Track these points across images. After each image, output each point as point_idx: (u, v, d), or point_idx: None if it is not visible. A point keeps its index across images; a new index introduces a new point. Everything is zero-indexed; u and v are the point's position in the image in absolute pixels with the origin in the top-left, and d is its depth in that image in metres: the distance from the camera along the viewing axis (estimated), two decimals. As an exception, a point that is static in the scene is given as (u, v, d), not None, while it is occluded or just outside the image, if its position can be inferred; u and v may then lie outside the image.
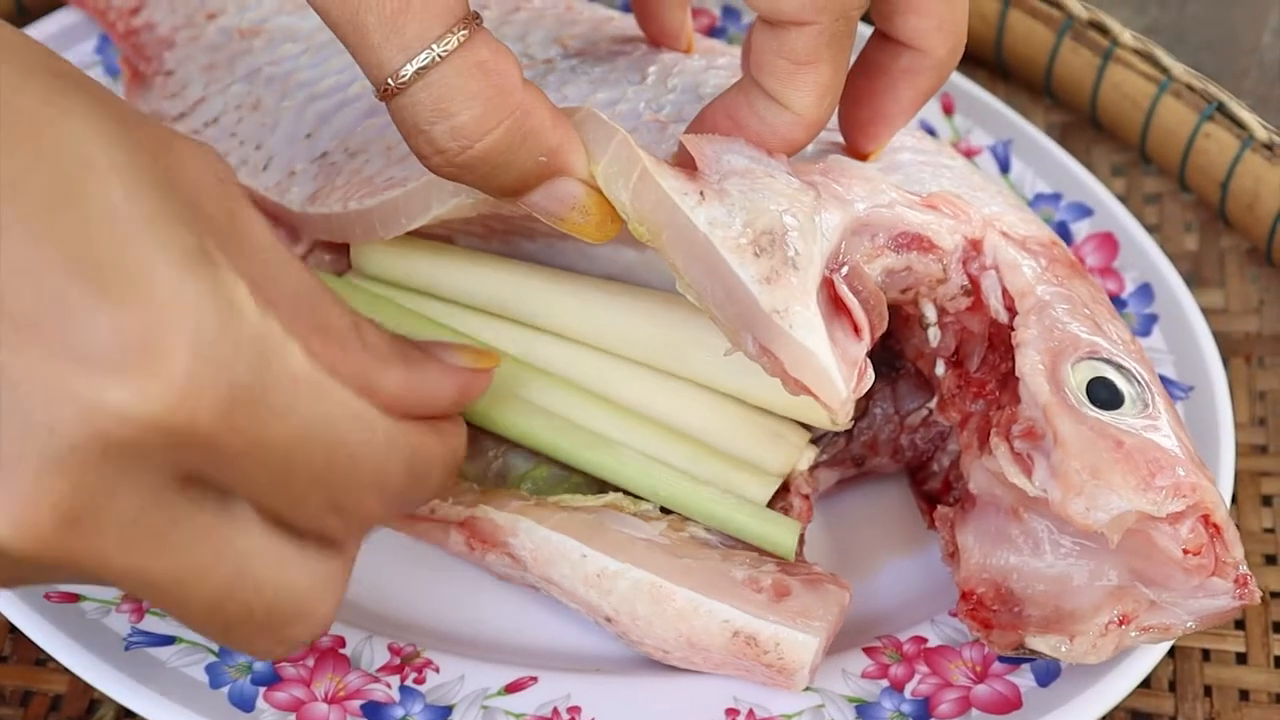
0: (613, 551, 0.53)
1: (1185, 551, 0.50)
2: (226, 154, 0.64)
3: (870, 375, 0.50)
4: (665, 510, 0.55)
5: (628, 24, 0.64)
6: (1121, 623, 0.51)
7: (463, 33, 0.47)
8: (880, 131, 0.55)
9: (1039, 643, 0.51)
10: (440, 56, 0.46)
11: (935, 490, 0.59)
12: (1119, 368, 0.52)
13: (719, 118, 0.52)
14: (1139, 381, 0.52)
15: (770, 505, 0.55)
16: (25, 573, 0.39)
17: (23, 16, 0.73)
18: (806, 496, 0.56)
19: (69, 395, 0.37)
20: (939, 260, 0.53)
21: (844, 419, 0.49)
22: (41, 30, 0.70)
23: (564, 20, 0.65)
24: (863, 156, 0.55)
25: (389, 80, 0.47)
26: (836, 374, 0.48)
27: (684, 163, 0.51)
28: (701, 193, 0.50)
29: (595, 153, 0.50)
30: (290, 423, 0.40)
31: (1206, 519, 0.50)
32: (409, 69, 0.46)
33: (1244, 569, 0.50)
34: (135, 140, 0.39)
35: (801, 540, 0.55)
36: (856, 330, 0.50)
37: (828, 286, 0.50)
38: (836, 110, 0.55)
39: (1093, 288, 0.56)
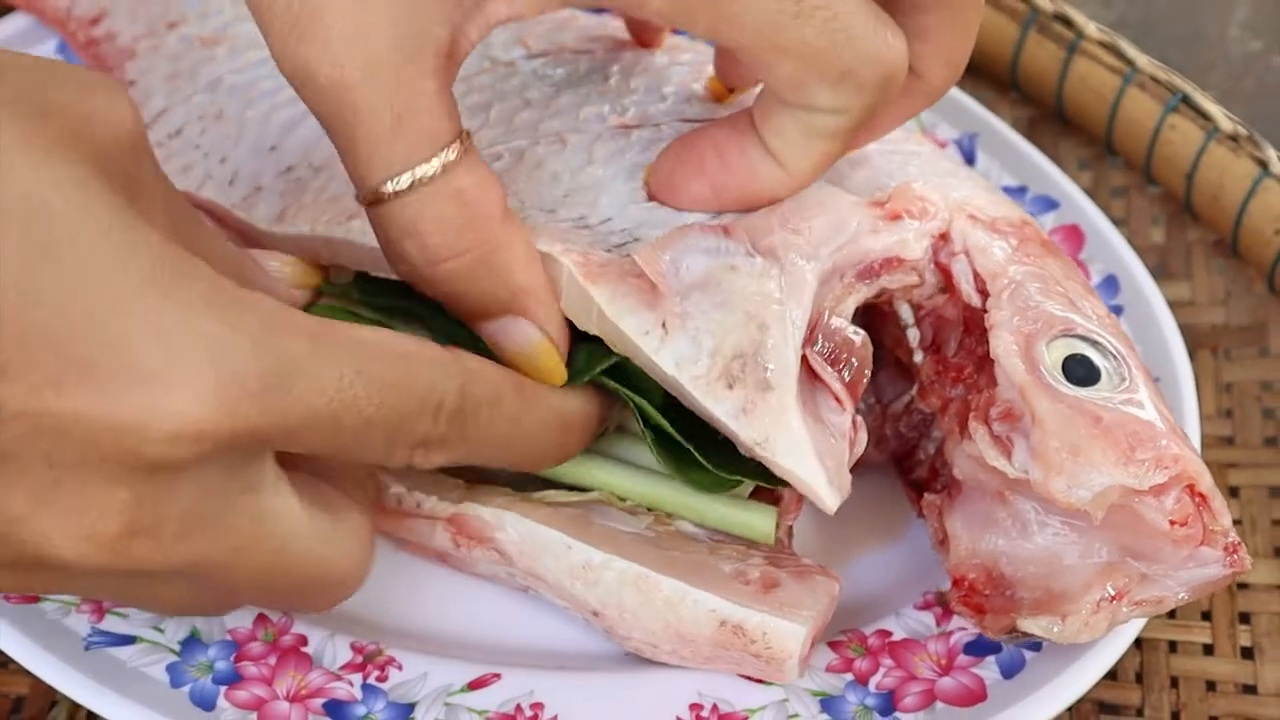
0: (599, 543, 0.53)
1: (1172, 523, 0.50)
2: (191, 167, 0.63)
3: (863, 438, 0.52)
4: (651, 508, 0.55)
5: (590, 23, 0.64)
6: (1114, 599, 0.51)
7: (449, 157, 0.47)
8: (860, 141, 0.55)
9: (1031, 625, 0.51)
10: (421, 181, 0.47)
11: (922, 478, 0.59)
12: (1094, 344, 0.52)
13: (707, 153, 0.52)
14: (1115, 356, 0.52)
15: (762, 499, 0.55)
16: (79, 585, 0.43)
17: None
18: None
19: (108, 426, 0.39)
20: (911, 269, 0.53)
21: (836, 506, 0.51)
22: (0, 32, 0.70)
23: (527, 20, 0.64)
24: None
25: (368, 194, 0.48)
26: (825, 492, 0.50)
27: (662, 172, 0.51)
28: (664, 324, 0.50)
29: (556, 285, 0.51)
30: (327, 382, 0.42)
31: (1191, 489, 0.50)
32: (388, 187, 0.47)
33: (1233, 536, 0.50)
34: (57, 139, 0.40)
35: (790, 532, 0.55)
36: (839, 400, 0.50)
37: (805, 365, 0.51)
38: None
39: (1066, 265, 0.55)
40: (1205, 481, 0.50)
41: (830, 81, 0.48)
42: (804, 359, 0.51)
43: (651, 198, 0.54)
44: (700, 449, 0.52)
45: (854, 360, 0.51)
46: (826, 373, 0.51)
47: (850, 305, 0.52)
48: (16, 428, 0.38)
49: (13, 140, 0.39)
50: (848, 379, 0.51)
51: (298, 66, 0.46)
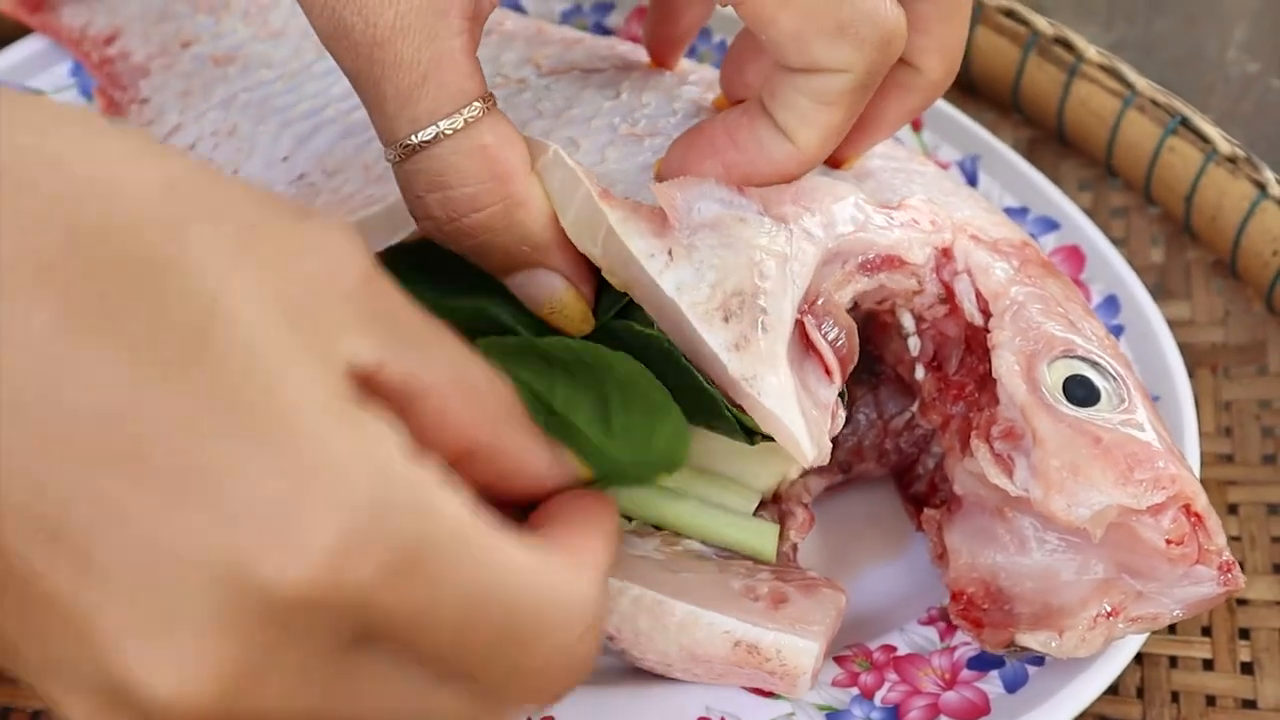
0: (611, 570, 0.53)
1: (1168, 542, 0.50)
2: None
3: (841, 416, 0.52)
4: (657, 527, 0.56)
5: (598, 45, 0.65)
6: (1110, 615, 0.52)
7: (473, 114, 0.49)
8: (861, 141, 0.55)
9: (1029, 639, 0.52)
10: (445, 134, 0.48)
11: (922, 493, 0.60)
12: (1094, 365, 0.53)
13: (718, 134, 0.53)
14: (1115, 377, 0.53)
15: (770, 514, 0.56)
16: None
17: (-1, 43, 0.74)
18: (806, 505, 0.56)
19: (222, 560, 0.35)
20: (912, 274, 0.54)
21: (816, 464, 0.50)
22: (15, 55, 0.70)
23: (535, 41, 0.65)
24: (838, 163, 0.56)
25: (395, 146, 0.49)
26: (805, 440, 0.50)
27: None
28: (670, 251, 0.50)
29: (562, 205, 0.51)
30: (455, 585, 0.37)
31: (1188, 508, 0.51)
32: (414, 140, 0.49)
33: (1227, 555, 0.51)
34: (258, 255, 0.37)
35: (795, 548, 0.56)
36: (828, 371, 0.51)
37: (799, 328, 0.51)
38: None
39: (1066, 286, 0.56)
40: (1201, 501, 0.51)
41: (830, 34, 0.48)
42: (799, 323, 0.51)
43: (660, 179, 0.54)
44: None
45: (844, 342, 0.52)
46: (821, 343, 0.51)
47: (848, 293, 0.53)
48: (128, 541, 0.35)
49: (206, 248, 0.36)
50: (838, 353, 0.52)
51: (332, 22, 0.48)
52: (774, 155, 0.52)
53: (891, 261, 0.53)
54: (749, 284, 0.50)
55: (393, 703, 0.39)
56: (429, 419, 0.40)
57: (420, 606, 0.36)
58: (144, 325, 0.35)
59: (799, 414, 0.50)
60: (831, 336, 0.52)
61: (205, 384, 0.35)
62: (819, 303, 0.52)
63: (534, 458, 0.46)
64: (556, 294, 0.52)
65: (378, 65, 0.48)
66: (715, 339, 0.50)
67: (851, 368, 0.52)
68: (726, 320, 0.50)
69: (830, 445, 0.51)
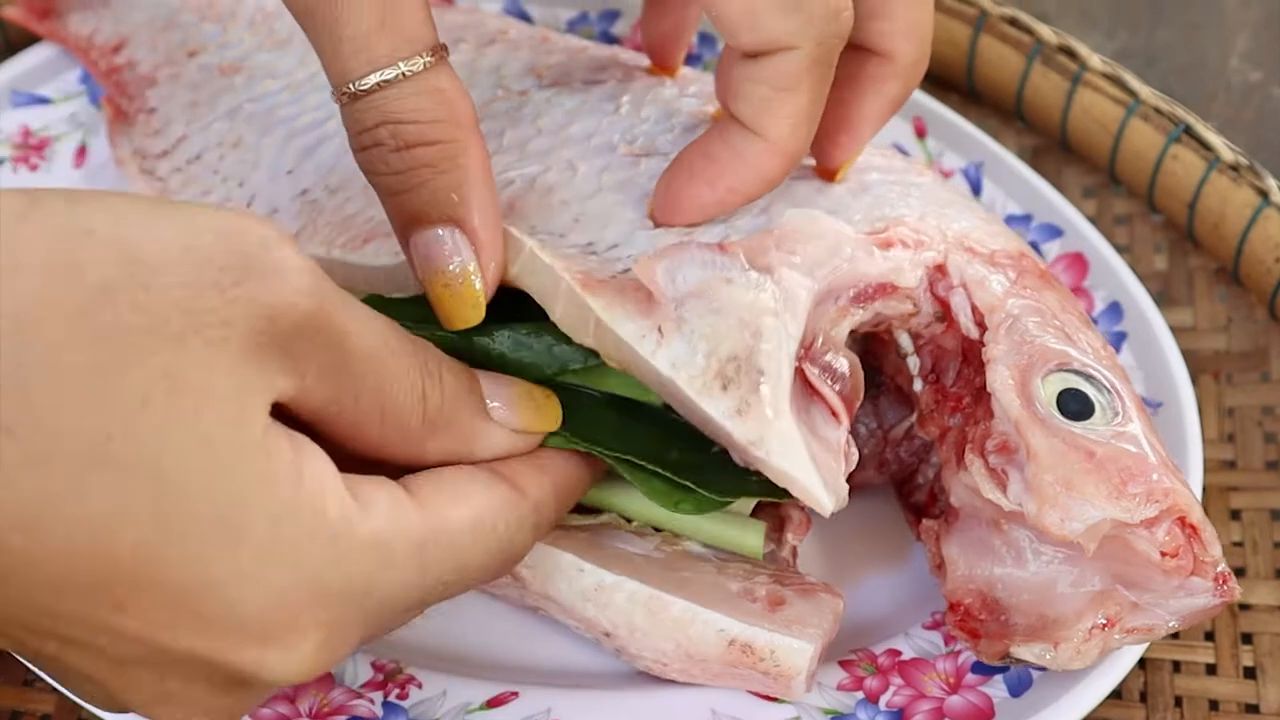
0: (609, 565, 0.54)
1: (1163, 554, 0.51)
2: (210, 191, 0.65)
3: (854, 454, 0.52)
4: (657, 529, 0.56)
5: (601, 55, 0.65)
6: (1106, 626, 0.52)
7: (429, 59, 0.50)
8: (848, 143, 0.55)
9: (1024, 652, 0.52)
10: (405, 75, 0.50)
11: (921, 502, 0.60)
12: (1089, 378, 0.53)
13: (694, 157, 0.53)
14: (1109, 389, 0.53)
15: (766, 515, 0.56)
16: None
17: (8, 50, 0.74)
18: (803, 508, 0.57)
19: (223, 665, 0.42)
20: (906, 297, 0.54)
21: (836, 509, 0.51)
22: (26, 62, 0.71)
23: (539, 51, 0.65)
24: (831, 173, 0.56)
25: (350, 84, 0.50)
26: (821, 493, 0.50)
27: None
28: (660, 328, 0.51)
29: (547, 300, 0.52)
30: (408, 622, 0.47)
31: (1183, 520, 0.51)
32: (371, 79, 0.50)
33: (1223, 567, 0.51)
34: (252, 347, 0.41)
35: (795, 553, 0.56)
36: (834, 414, 0.51)
37: (800, 376, 0.51)
38: None
39: (1064, 297, 0.56)
40: (1196, 513, 0.51)
41: (780, 6, 0.49)
42: (799, 371, 0.51)
43: (658, 224, 0.54)
44: (703, 471, 0.53)
45: (847, 381, 0.52)
46: (823, 386, 0.51)
47: (845, 328, 0.53)
48: (135, 649, 0.41)
49: (227, 374, 0.41)
50: (842, 393, 0.52)
51: None
52: (749, 156, 0.52)
53: (884, 289, 0.53)
54: (742, 347, 0.50)
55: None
56: (344, 438, 0.46)
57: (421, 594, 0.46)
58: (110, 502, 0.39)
59: (811, 468, 0.50)
60: (834, 377, 0.52)
61: (207, 511, 0.40)
62: (818, 343, 0.52)
63: (481, 443, 0.50)
64: (460, 265, 0.51)
65: (335, 7, 0.49)
66: (716, 409, 0.50)
67: (859, 403, 0.53)
68: (725, 388, 0.50)
69: (847, 488, 0.52)
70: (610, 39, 0.73)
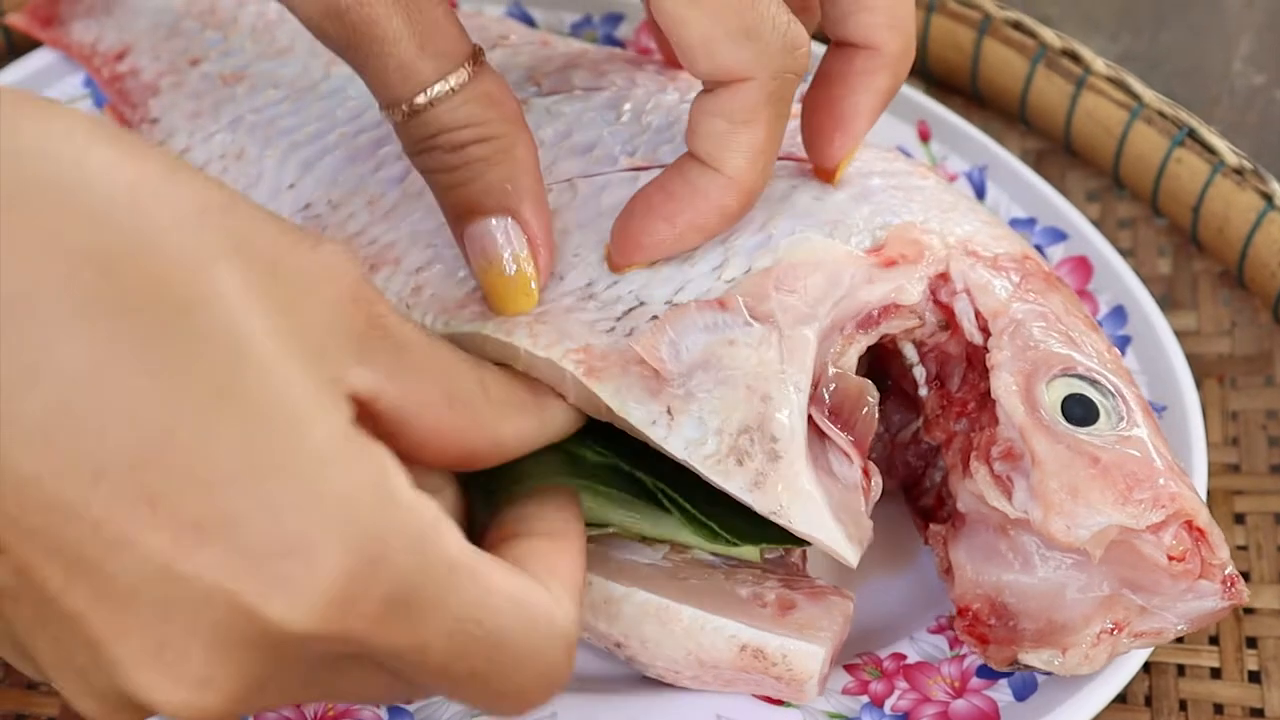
0: (617, 576, 0.54)
1: (1170, 558, 0.51)
2: None
3: (878, 484, 0.53)
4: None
5: (602, 60, 0.65)
6: (1114, 631, 0.52)
7: (471, 68, 0.52)
8: (844, 141, 0.55)
9: (1032, 658, 0.52)
10: (453, 89, 0.51)
11: (929, 505, 0.60)
12: (1093, 383, 0.53)
13: (653, 194, 0.53)
14: (1114, 394, 0.53)
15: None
16: None
17: (12, 54, 0.74)
18: None
19: (232, 597, 0.38)
20: (910, 313, 0.54)
21: (860, 552, 0.52)
22: (29, 65, 0.71)
23: (540, 57, 0.65)
24: (830, 173, 0.56)
25: (403, 106, 0.52)
26: (846, 549, 0.51)
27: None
28: (669, 409, 0.51)
29: (560, 389, 0.52)
30: (447, 618, 0.41)
31: (1190, 524, 0.51)
32: (421, 99, 0.51)
33: (1230, 569, 0.51)
34: (278, 297, 0.39)
35: (804, 556, 0.56)
36: (847, 455, 0.52)
37: (811, 424, 0.51)
38: (801, 132, 0.56)
39: (1069, 299, 0.56)
40: (1203, 516, 0.51)
41: (735, 36, 0.49)
42: (810, 420, 0.51)
43: (615, 267, 0.55)
44: (726, 513, 0.53)
45: (860, 409, 0.52)
46: (833, 432, 0.52)
47: (853, 355, 0.53)
48: (147, 570, 0.38)
49: (234, 286, 0.39)
50: (855, 426, 0.52)
51: (323, 5, 0.51)
52: (708, 192, 0.52)
53: (888, 311, 0.54)
54: (753, 416, 0.51)
55: (373, 693, 0.44)
56: (424, 436, 0.44)
57: (413, 643, 0.40)
58: (175, 364, 0.37)
59: (834, 526, 0.51)
60: (845, 413, 0.52)
61: (233, 423, 0.38)
62: (826, 381, 0.52)
63: (549, 414, 0.51)
64: (514, 255, 0.53)
65: (375, 40, 0.51)
66: (734, 485, 0.51)
67: (872, 434, 0.53)
68: (740, 463, 0.51)
69: (870, 524, 0.52)
70: (614, 43, 0.73)
